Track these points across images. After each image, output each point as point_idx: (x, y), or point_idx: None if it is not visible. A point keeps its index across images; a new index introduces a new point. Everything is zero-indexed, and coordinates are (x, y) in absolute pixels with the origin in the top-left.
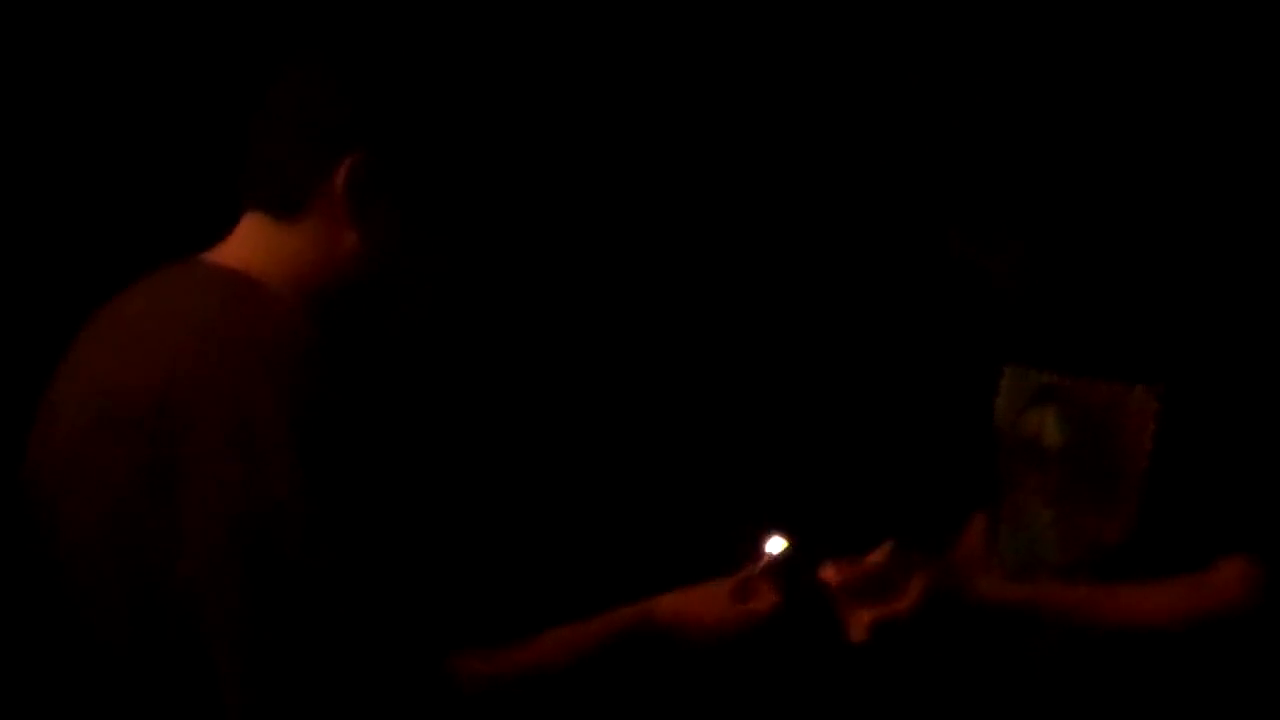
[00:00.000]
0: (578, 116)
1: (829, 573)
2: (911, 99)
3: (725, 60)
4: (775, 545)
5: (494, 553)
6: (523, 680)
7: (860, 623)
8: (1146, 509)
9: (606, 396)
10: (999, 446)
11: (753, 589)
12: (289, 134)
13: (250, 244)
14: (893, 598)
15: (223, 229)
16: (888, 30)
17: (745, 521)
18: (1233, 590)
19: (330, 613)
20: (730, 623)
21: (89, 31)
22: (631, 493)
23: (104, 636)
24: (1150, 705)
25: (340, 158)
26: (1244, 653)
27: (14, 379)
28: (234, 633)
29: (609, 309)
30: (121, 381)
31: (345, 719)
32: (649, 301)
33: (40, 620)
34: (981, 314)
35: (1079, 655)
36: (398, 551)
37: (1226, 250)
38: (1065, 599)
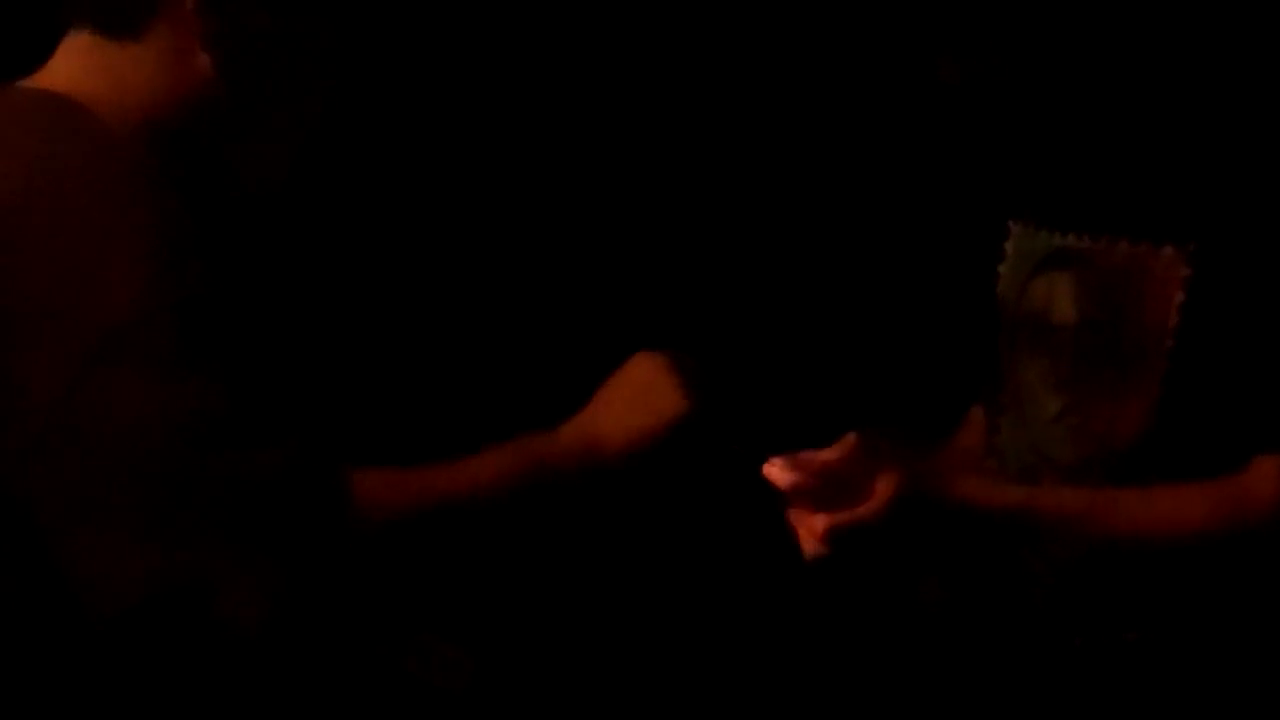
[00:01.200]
0: None
1: (776, 472)
2: None
3: None
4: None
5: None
6: (430, 516)
7: (812, 531)
8: (1170, 397)
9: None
10: (1001, 322)
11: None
12: None
13: (79, 67)
14: (860, 502)
15: (42, 52)
16: None
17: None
18: (1270, 496)
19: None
20: (640, 430)
21: None
22: (569, 325)
23: None
24: (1171, 636)
25: None
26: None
27: None
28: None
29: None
30: None
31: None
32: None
33: None
34: (981, 160)
35: (1085, 574)
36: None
37: (1274, 79)
38: (1069, 505)
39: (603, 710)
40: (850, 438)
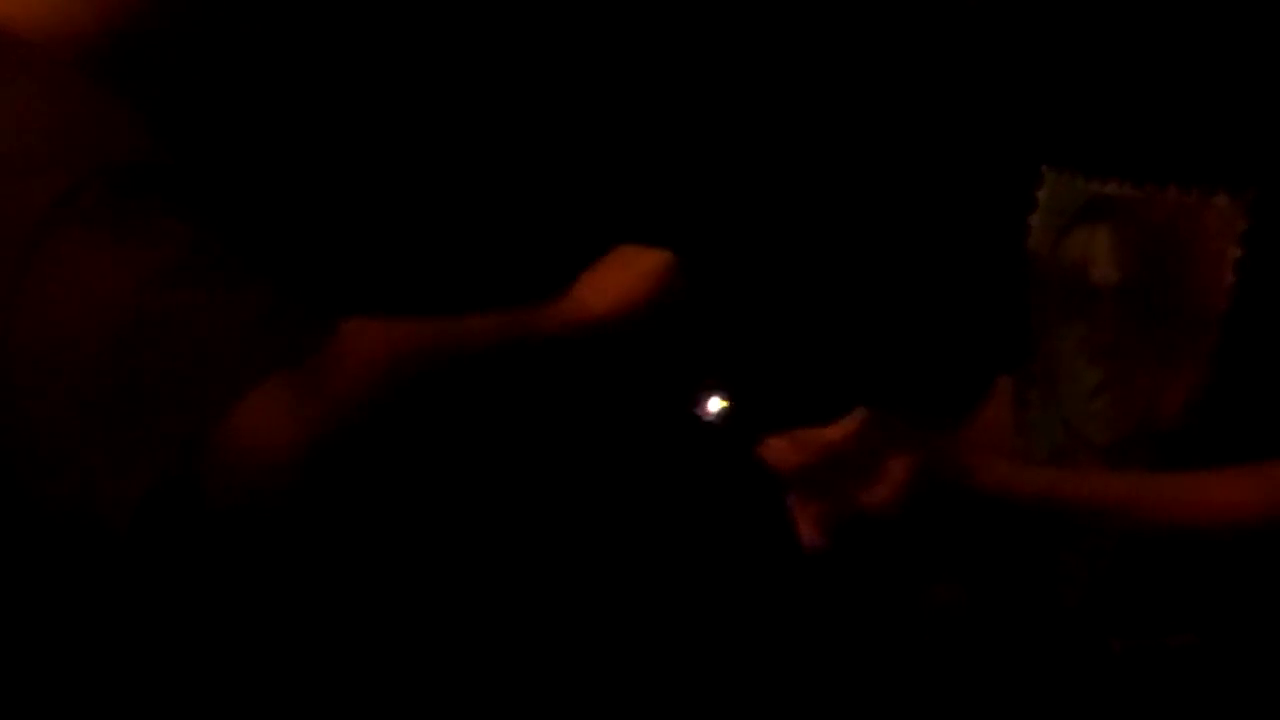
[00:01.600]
0: None
1: (773, 452)
2: None
3: None
4: (714, 407)
5: None
6: (425, 363)
7: (814, 520)
8: (1222, 369)
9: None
10: (1032, 281)
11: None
12: None
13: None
14: (868, 487)
15: None
16: None
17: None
18: None
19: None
20: (622, 288)
21: None
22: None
23: None
24: (1222, 640)
25: None
26: None
27: None
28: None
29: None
30: None
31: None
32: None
33: None
34: (1009, 95)
35: (1124, 570)
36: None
37: None
38: (1106, 491)
39: (601, 709)
40: (858, 413)
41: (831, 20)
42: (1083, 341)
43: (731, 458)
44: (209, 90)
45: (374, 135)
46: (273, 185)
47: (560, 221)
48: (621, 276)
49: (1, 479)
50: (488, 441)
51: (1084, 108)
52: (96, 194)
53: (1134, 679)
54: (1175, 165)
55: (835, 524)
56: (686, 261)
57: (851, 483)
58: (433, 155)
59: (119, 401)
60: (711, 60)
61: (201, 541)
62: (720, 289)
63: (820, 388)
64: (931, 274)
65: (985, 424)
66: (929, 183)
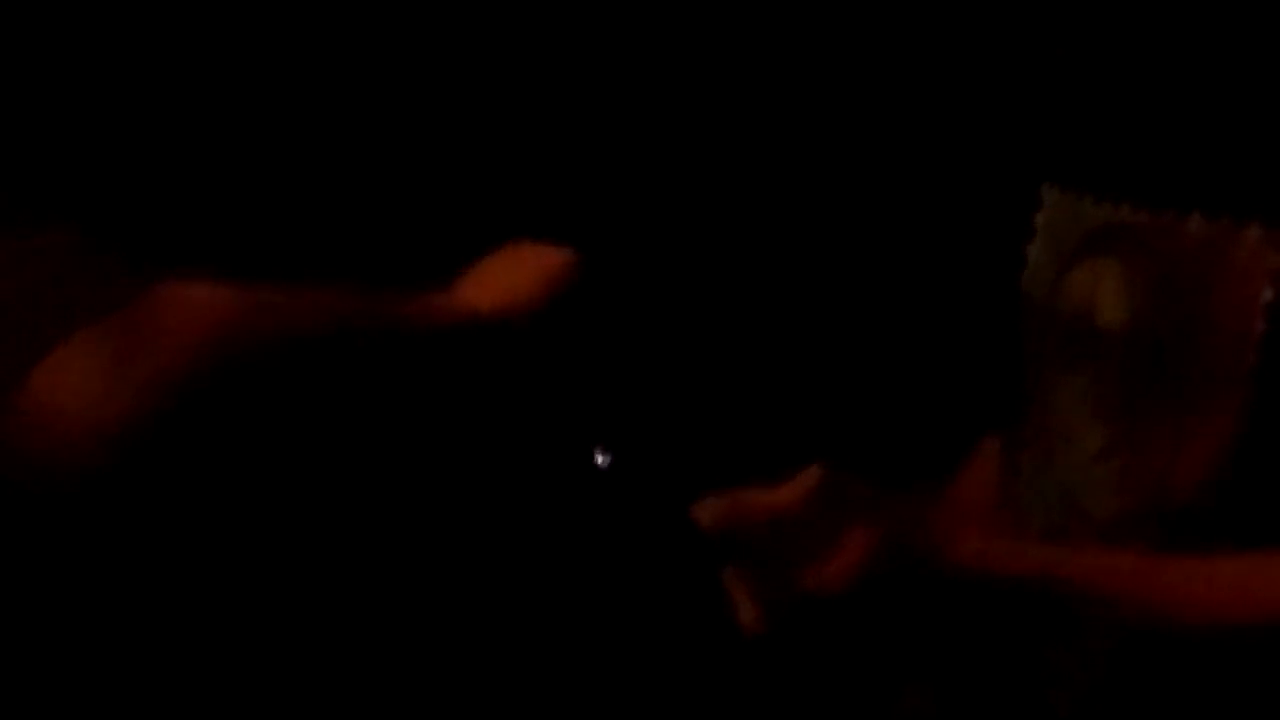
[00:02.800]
0: None
1: (708, 515)
2: None
3: None
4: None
5: None
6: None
7: (755, 599)
8: (1249, 433)
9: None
10: (1026, 324)
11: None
12: None
13: None
14: (817, 562)
15: None
16: None
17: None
18: None
19: None
20: (504, 286)
21: None
22: None
23: None
24: None
25: None
26: None
27: None
28: None
29: None
30: None
31: None
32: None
33: None
34: (1006, 102)
35: (1127, 671)
36: None
37: None
38: (1109, 574)
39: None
40: (812, 472)
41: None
42: (1085, 397)
43: (657, 519)
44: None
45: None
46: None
47: (461, 205)
48: (513, 272)
49: None
50: (343, 437)
51: (1093, 117)
52: None
53: None
54: (1200, 189)
55: (779, 604)
56: (598, 265)
57: (801, 555)
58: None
59: None
60: (676, 64)
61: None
62: (648, 306)
63: (770, 439)
64: (908, 310)
65: (965, 492)
66: (907, 202)
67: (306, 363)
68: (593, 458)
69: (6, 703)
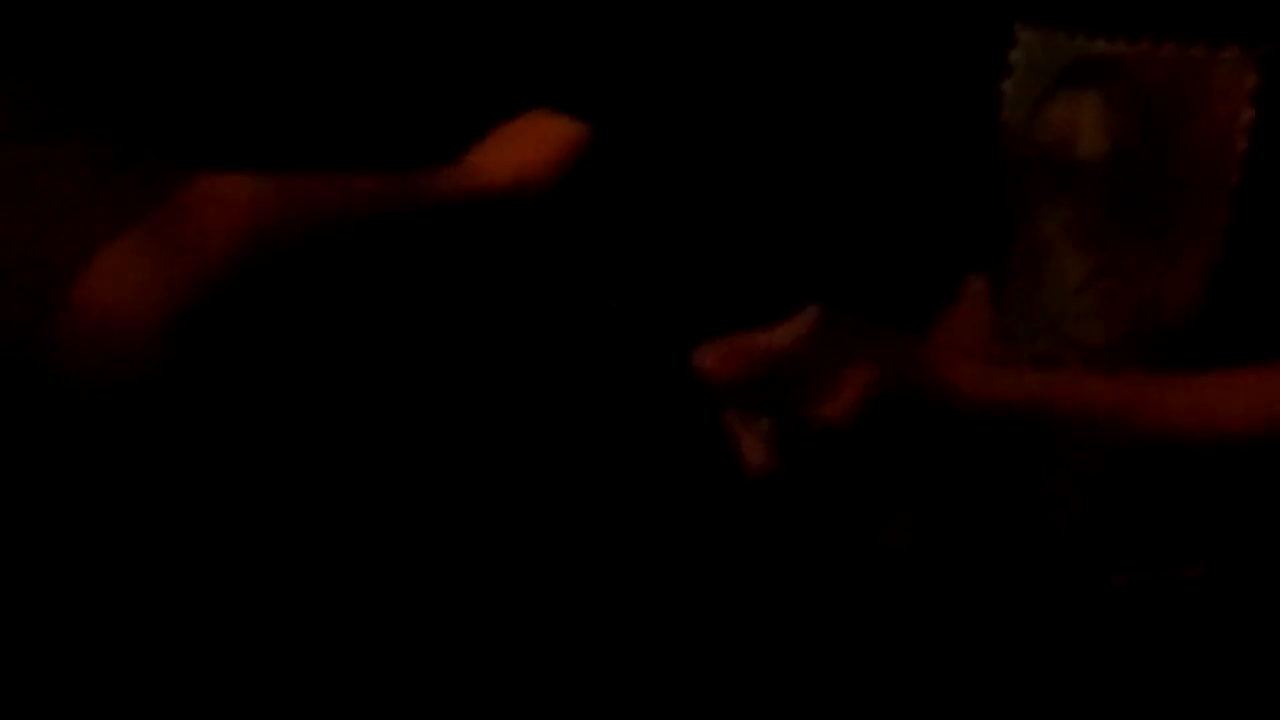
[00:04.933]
0: None
1: (709, 360)
2: None
3: None
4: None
5: None
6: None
7: (757, 439)
8: (1233, 253)
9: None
10: (1007, 159)
11: None
12: None
13: None
14: (821, 400)
15: None
16: None
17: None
18: None
19: None
20: (523, 152)
21: None
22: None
23: None
24: (1246, 570)
25: None
26: None
27: None
28: None
29: None
30: None
31: None
32: None
33: None
34: None
35: (1124, 491)
36: None
37: None
38: (1100, 397)
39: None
40: (808, 314)
41: None
42: (1068, 227)
43: (657, 367)
44: None
45: None
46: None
47: (466, 82)
48: (527, 145)
49: None
50: (379, 318)
51: None
52: None
53: (1138, 619)
54: (1175, 14)
55: (784, 443)
56: (603, 133)
57: (802, 395)
58: None
59: None
60: None
61: (61, 433)
62: (644, 164)
63: (764, 284)
64: (888, 152)
65: (956, 327)
66: (880, 41)
67: (344, 245)
68: (602, 309)
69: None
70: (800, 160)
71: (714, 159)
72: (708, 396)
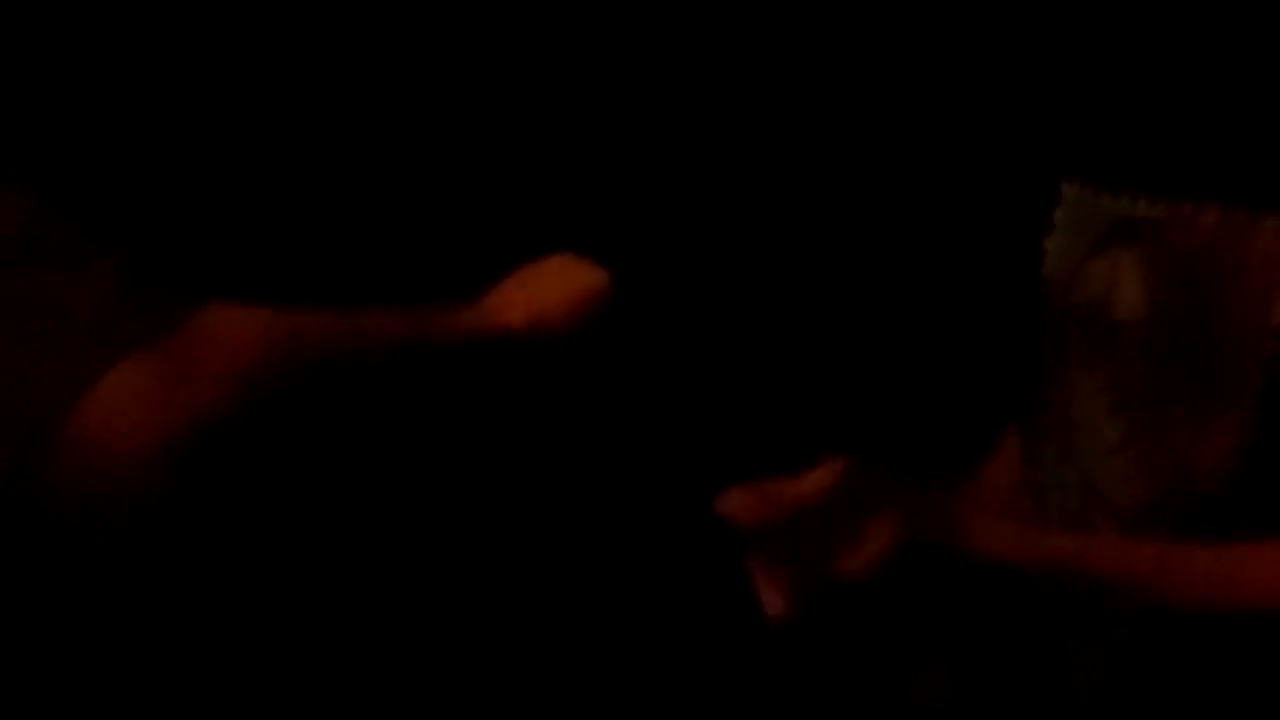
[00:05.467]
0: None
1: (734, 506)
2: None
3: None
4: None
5: None
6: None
7: (780, 588)
8: (1268, 421)
9: None
10: (1046, 316)
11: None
12: None
13: None
14: (844, 551)
15: None
16: None
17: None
18: None
19: None
20: (541, 299)
21: None
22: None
23: None
24: None
25: None
26: None
27: None
28: None
29: None
30: None
31: None
32: None
33: None
34: (1023, 98)
35: (1150, 662)
36: None
37: None
38: (1131, 563)
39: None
40: (835, 463)
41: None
42: (1105, 388)
43: (682, 511)
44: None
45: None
46: (132, 152)
47: (488, 216)
48: (546, 288)
49: None
50: (383, 452)
51: (1109, 111)
52: None
53: None
54: (1217, 180)
55: (805, 592)
56: (626, 279)
57: (826, 545)
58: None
59: None
60: (688, 60)
61: (49, 551)
62: (674, 305)
63: (794, 431)
64: (929, 303)
65: (988, 482)
66: (927, 197)
67: (345, 380)
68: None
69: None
70: (842, 309)
71: (754, 302)
72: (732, 542)
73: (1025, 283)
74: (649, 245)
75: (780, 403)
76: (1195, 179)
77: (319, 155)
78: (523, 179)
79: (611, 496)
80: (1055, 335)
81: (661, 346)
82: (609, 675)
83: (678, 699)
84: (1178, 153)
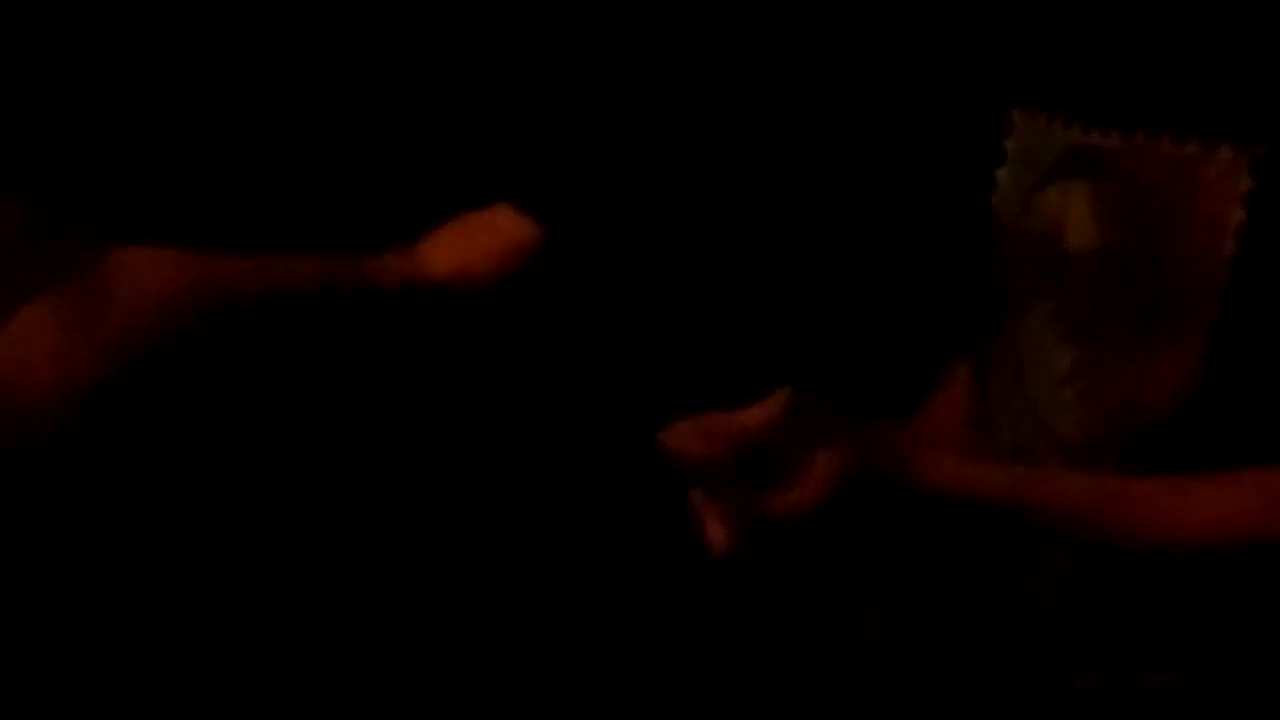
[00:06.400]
0: None
1: (676, 439)
2: None
3: None
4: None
5: None
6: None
7: (723, 522)
8: (1218, 354)
9: None
10: (996, 247)
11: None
12: None
13: None
14: (788, 485)
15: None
16: None
17: None
18: None
19: None
20: (469, 248)
21: None
22: None
23: None
24: (1213, 678)
25: None
26: None
27: None
28: None
29: None
30: None
31: None
32: None
33: None
34: (973, 24)
35: (1095, 592)
36: None
37: None
38: (1077, 495)
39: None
40: (780, 396)
41: None
42: (1054, 319)
43: (622, 445)
44: None
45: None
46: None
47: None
48: (476, 239)
49: None
50: (313, 395)
51: (1062, 40)
52: None
53: None
54: (1170, 111)
55: (748, 527)
56: (561, 229)
57: (769, 477)
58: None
59: None
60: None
61: None
62: (613, 241)
63: (736, 363)
64: (876, 233)
65: (935, 414)
66: (873, 125)
67: (259, 323)
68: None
69: None
70: (785, 238)
71: (695, 233)
72: (675, 475)
73: (975, 213)
74: (579, 186)
75: (725, 334)
76: (1149, 109)
77: (252, 97)
78: (463, 135)
79: (549, 438)
80: (1004, 266)
81: (597, 285)
82: (550, 614)
83: (622, 636)
84: (1132, 81)
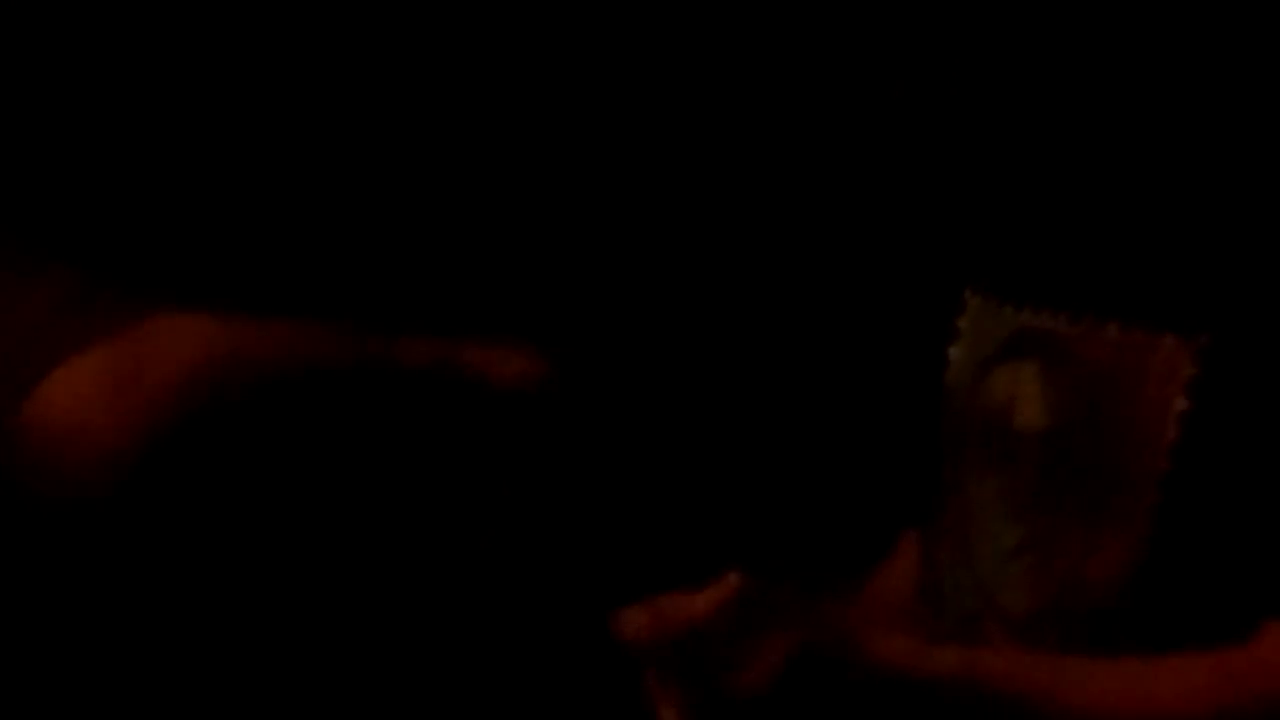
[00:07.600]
0: None
1: (628, 623)
2: None
3: None
4: None
5: None
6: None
7: (672, 705)
8: (1160, 536)
9: None
10: (947, 422)
11: None
12: None
13: None
14: (739, 667)
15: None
16: None
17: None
18: None
19: None
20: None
21: None
22: None
23: None
24: None
25: None
26: None
27: None
28: None
29: None
30: None
31: None
32: None
33: None
34: (931, 209)
35: None
36: None
37: None
38: (1022, 675)
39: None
40: (729, 581)
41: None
42: (1002, 495)
43: (577, 630)
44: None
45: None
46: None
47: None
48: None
49: None
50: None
51: (1016, 225)
52: None
53: None
54: (1118, 298)
55: (700, 708)
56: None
57: (721, 660)
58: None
59: None
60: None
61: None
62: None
63: (688, 541)
64: (829, 407)
65: (885, 587)
66: (831, 301)
67: (296, 393)
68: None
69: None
70: (741, 412)
71: (651, 409)
72: (628, 658)
73: (928, 389)
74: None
75: (677, 506)
76: (1097, 295)
77: (290, 158)
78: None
79: (506, 609)
80: (956, 441)
81: (558, 455)
82: None
83: None
84: (1082, 269)
